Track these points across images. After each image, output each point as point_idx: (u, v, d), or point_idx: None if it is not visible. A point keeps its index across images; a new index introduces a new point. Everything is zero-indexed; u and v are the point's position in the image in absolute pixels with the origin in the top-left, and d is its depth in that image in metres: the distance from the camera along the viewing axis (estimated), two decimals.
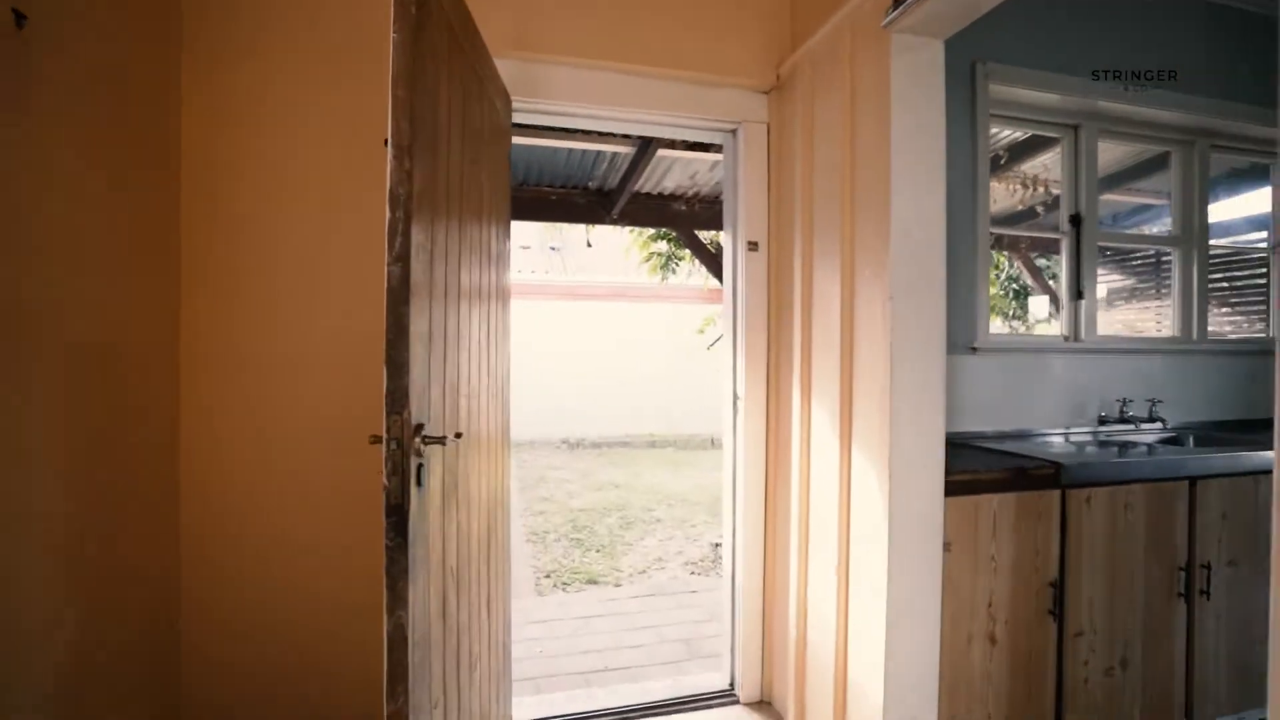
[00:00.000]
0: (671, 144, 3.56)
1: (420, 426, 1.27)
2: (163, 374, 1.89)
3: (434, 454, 1.38)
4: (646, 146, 3.40)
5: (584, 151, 3.73)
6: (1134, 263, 3.55)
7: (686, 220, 4.40)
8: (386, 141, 1.22)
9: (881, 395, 1.76)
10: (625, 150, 3.57)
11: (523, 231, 17.91)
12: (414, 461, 1.24)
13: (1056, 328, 3.03)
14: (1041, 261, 4.69)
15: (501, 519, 2.17)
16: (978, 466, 1.95)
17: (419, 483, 1.26)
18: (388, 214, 1.21)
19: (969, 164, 2.55)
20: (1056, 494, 1.95)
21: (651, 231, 4.60)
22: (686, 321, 11.17)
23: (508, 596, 2.24)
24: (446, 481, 1.50)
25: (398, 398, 1.21)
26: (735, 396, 2.57)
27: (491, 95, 1.96)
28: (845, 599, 1.95)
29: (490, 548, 1.96)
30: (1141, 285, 3.56)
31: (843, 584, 1.96)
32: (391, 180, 1.21)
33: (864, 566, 1.85)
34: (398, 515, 1.21)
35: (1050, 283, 4.85)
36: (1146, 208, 3.83)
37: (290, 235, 2.01)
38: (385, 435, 1.21)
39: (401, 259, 1.21)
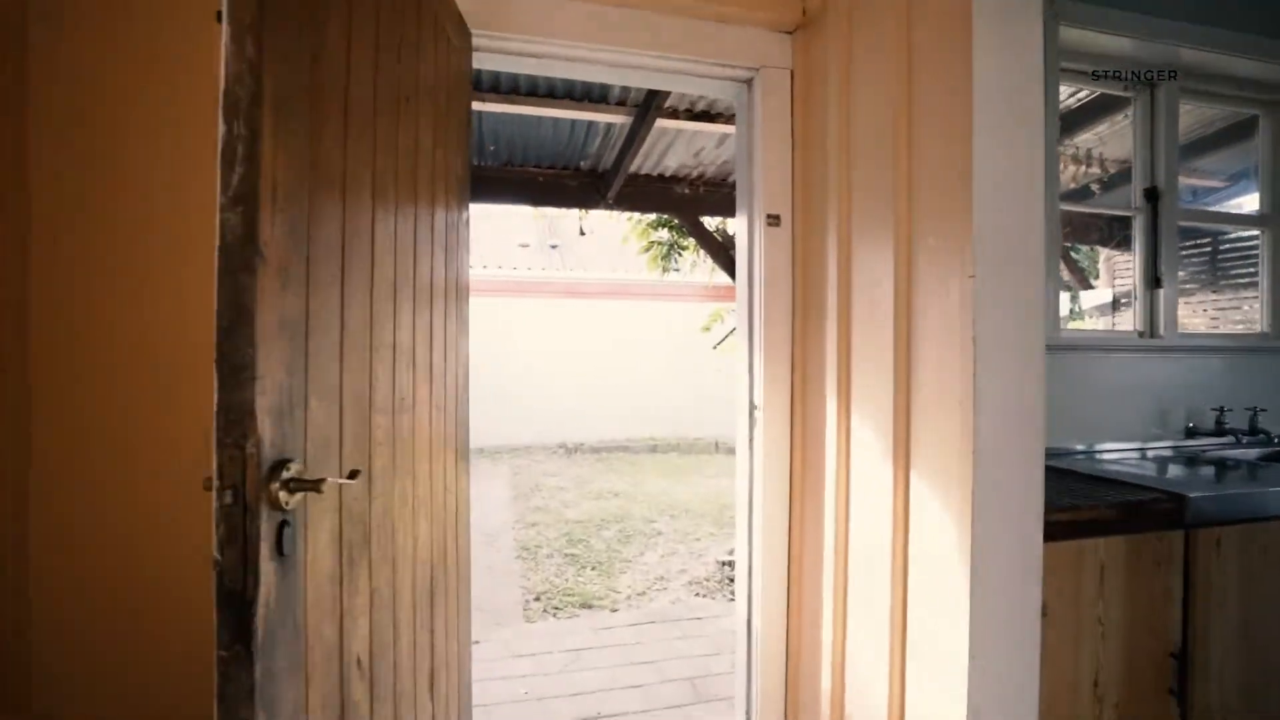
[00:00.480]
0: (674, 113, 3.11)
1: (282, 464, 0.82)
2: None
3: (318, 504, 0.92)
4: (644, 115, 2.96)
5: (573, 124, 3.29)
6: (1201, 248, 3.10)
7: (690, 205, 3.95)
8: (219, 14, 0.76)
9: (958, 406, 1.30)
10: (620, 120, 3.13)
11: (521, 229, 17.49)
12: (270, 519, 0.79)
13: (1112, 322, 2.58)
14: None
15: (455, 564, 1.72)
16: (1075, 500, 1.49)
17: (280, 551, 0.81)
18: (220, 128, 0.76)
19: None
20: (1179, 535, 1.49)
21: (652, 218, 4.20)
22: (689, 320, 10.71)
23: (465, 663, 1.79)
24: (349, 539, 1.05)
25: (234, 419, 0.76)
26: (752, 406, 2.11)
27: (440, 17, 1.51)
28: (901, 674, 1.49)
29: (436, 607, 1.51)
30: (1207, 273, 3.11)
31: (896, 654, 1.50)
32: (227, 73, 0.76)
33: (929, 633, 1.40)
34: (236, 609, 0.75)
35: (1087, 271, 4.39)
36: (1211, 190, 3.38)
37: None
38: (216, 479, 0.76)
39: (243, 201, 0.76)
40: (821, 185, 1.88)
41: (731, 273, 4.07)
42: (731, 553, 5.11)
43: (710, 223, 4.40)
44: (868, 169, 1.67)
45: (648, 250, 4.10)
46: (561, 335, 10.27)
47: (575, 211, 4.17)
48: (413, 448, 1.37)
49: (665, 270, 4.16)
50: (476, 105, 2.92)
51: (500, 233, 16.09)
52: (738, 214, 2.19)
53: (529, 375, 10.11)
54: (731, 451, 9.78)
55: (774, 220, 2.00)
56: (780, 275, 2.03)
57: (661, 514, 6.50)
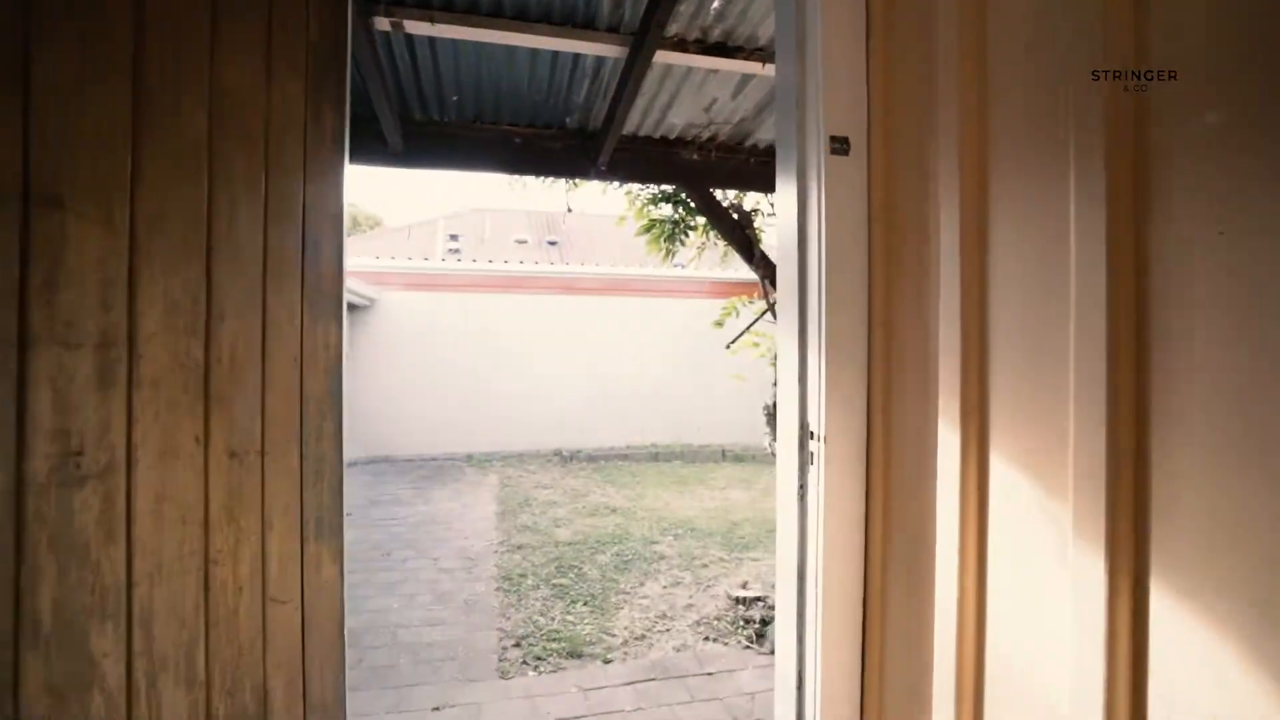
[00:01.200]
0: (681, 43, 2.42)
1: None
2: None
3: None
4: (641, 42, 2.26)
5: (555, 63, 2.60)
6: None
7: (699, 174, 3.26)
8: None
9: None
10: (613, 53, 2.43)
11: (517, 224, 16.81)
12: None
13: None
14: None
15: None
16: None
17: None
18: None
19: None
20: None
21: (652, 191, 3.52)
22: (695, 318, 10.02)
23: None
24: None
25: None
26: (805, 434, 1.42)
27: None
28: None
29: None
30: None
31: None
32: None
33: None
34: None
35: None
36: None
37: None
38: None
39: None
40: (925, 84, 1.18)
41: (748, 256, 3.39)
42: (746, 586, 4.41)
43: (722, 202, 3.70)
44: (1015, 54, 0.98)
45: (648, 230, 3.41)
46: (558, 334, 9.58)
47: (563, 185, 3.50)
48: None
49: (669, 255, 3.46)
50: (421, 28, 2.23)
51: (495, 228, 15.46)
52: (778, 144, 1.48)
53: (523, 376, 9.42)
54: (740, 459, 9.02)
55: (840, 146, 1.30)
56: (849, 232, 1.33)
57: (664, 533, 5.81)
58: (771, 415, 3.45)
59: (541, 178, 3.45)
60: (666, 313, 9.95)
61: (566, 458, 8.97)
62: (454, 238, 14.92)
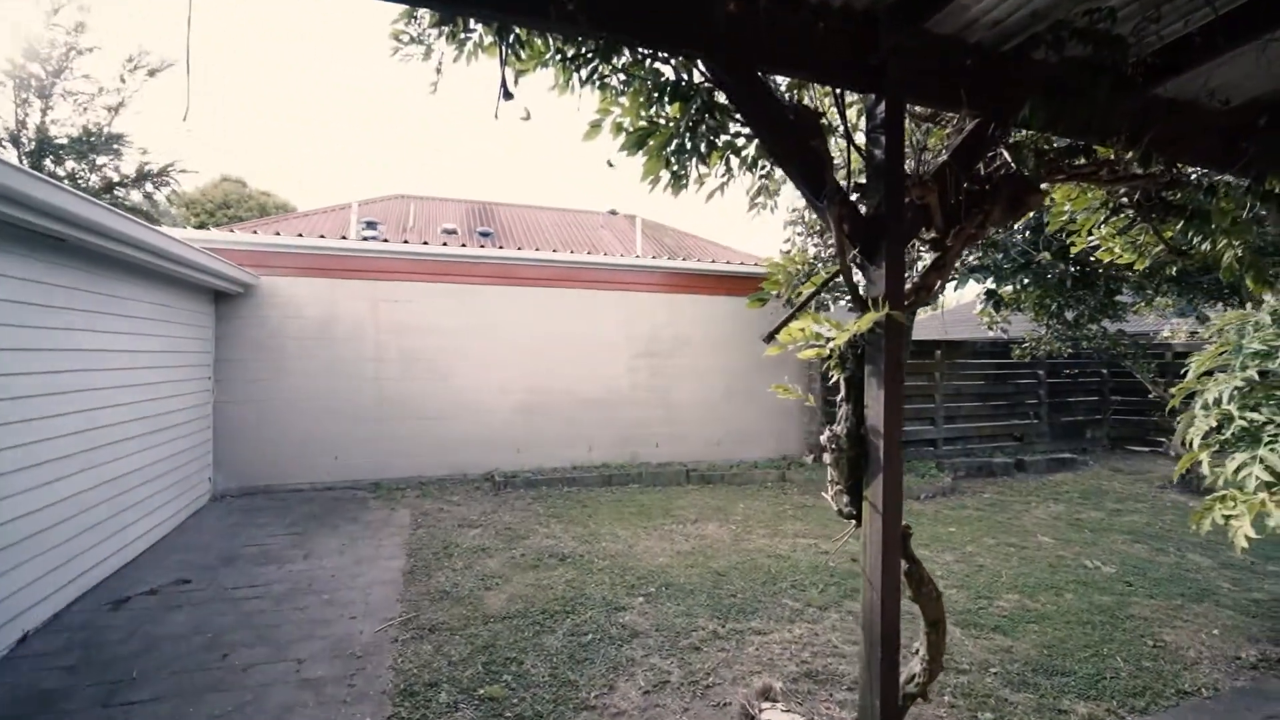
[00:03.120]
0: None
1: None
2: None
3: None
4: None
5: None
6: None
7: (737, 41, 1.87)
8: None
9: None
10: None
11: (444, 211, 14.96)
12: None
13: None
14: None
15: None
16: None
17: None
18: None
19: None
20: None
21: (652, 78, 2.12)
22: (653, 315, 8.66)
23: None
24: None
25: None
26: None
27: None
28: None
29: None
30: None
31: None
32: None
33: None
34: None
35: None
36: None
37: None
38: None
39: None
40: None
41: (814, 185, 2.04)
42: (770, 695, 2.99)
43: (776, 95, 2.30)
44: None
45: (641, 143, 1.99)
46: (492, 332, 7.97)
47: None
48: None
49: (678, 181, 2.04)
50: None
51: (421, 216, 13.59)
52: None
53: (447, 384, 7.76)
54: (707, 480, 7.47)
55: None
56: None
57: (632, 592, 4.37)
58: (837, 442, 2.08)
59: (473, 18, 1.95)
60: (620, 309, 8.53)
61: (500, 484, 7.37)
62: (371, 225, 12.95)
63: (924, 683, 2.27)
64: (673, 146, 2.07)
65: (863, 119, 2.28)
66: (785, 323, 2.28)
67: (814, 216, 6.94)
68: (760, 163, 2.35)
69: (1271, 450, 3.74)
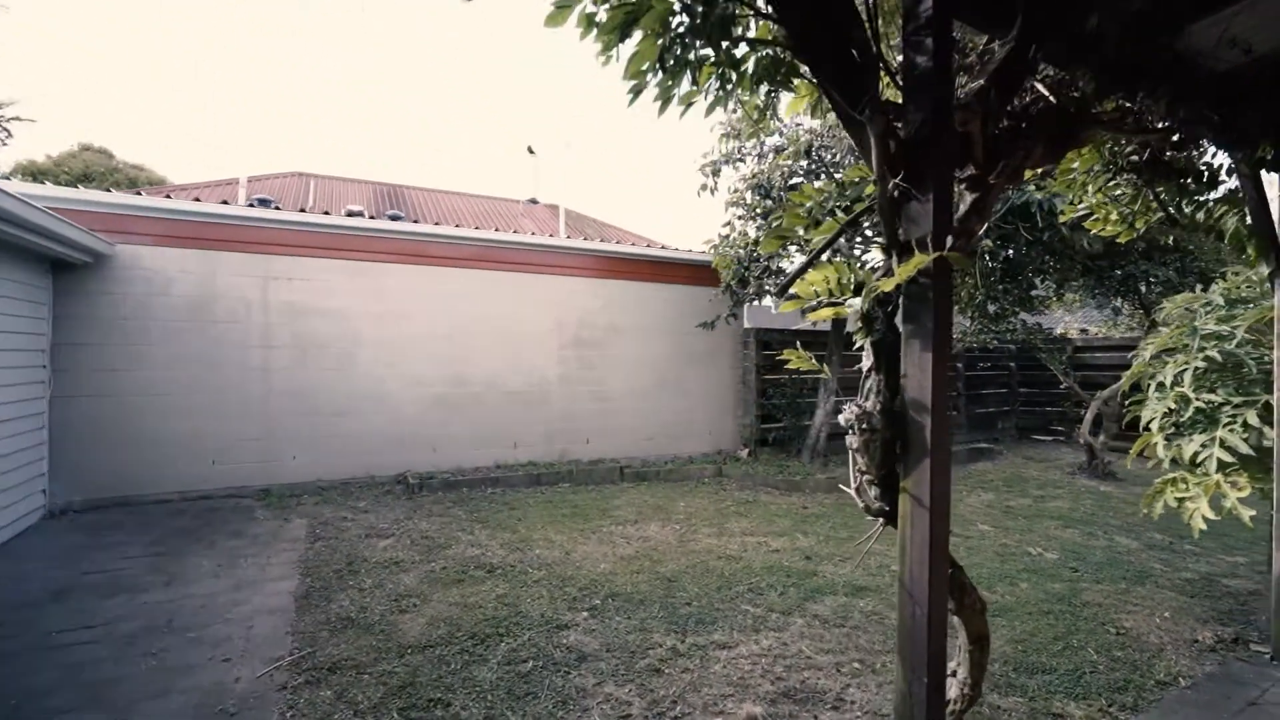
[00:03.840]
0: None
1: None
2: None
3: None
4: None
5: None
6: None
7: None
8: None
9: None
10: None
11: (348, 192, 13.62)
12: None
13: None
14: None
15: None
16: None
17: None
18: None
19: None
20: None
21: None
22: (582, 300, 8.09)
23: None
24: None
25: None
26: None
27: None
28: None
29: None
30: None
31: None
32: None
33: None
34: None
35: None
36: None
37: None
38: None
39: None
40: None
41: (854, 99, 1.60)
42: None
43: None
44: None
45: (617, 24, 1.44)
46: (404, 318, 7.11)
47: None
48: None
49: (666, 92, 1.51)
50: None
51: (322, 197, 12.26)
52: None
53: (353, 374, 6.83)
54: (642, 477, 6.74)
55: None
56: None
57: (575, 606, 3.82)
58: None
59: None
60: (548, 294, 7.90)
61: (414, 487, 6.55)
62: (263, 202, 11.55)
63: (963, 709, 1.89)
64: (669, 36, 1.55)
65: (897, 35, 1.87)
66: (800, 272, 1.82)
67: (756, 198, 6.65)
68: (763, 82, 1.88)
69: (1231, 431, 3.75)
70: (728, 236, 7.24)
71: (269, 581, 4.07)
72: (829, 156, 6.65)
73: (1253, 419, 3.43)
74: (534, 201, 15.34)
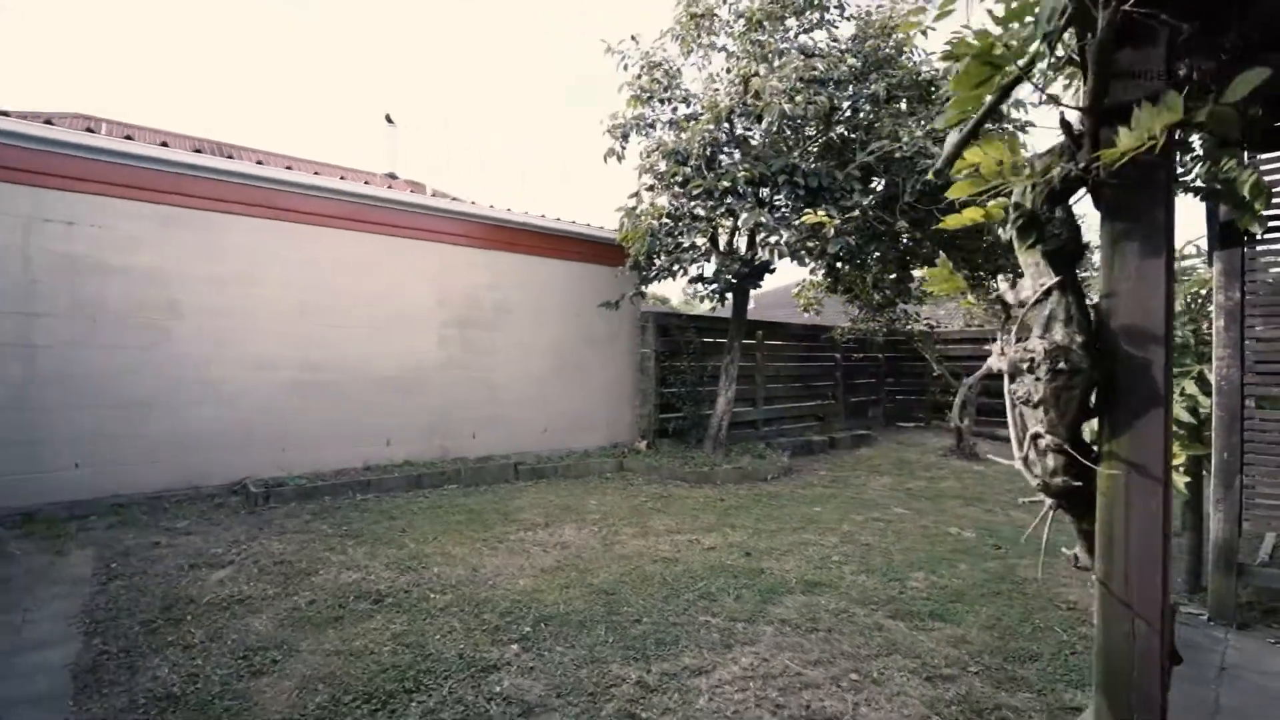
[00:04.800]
0: None
1: None
2: None
3: None
4: None
5: None
6: None
7: None
8: None
9: None
10: None
11: (154, 143, 11.06)
12: None
13: None
14: None
15: None
16: None
17: None
18: None
19: None
20: None
21: None
22: (465, 274, 7.05)
23: None
24: None
25: None
26: None
27: None
28: None
29: None
30: None
31: None
32: None
33: None
34: None
35: None
36: None
37: None
38: None
39: None
40: None
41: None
42: None
43: None
44: None
45: None
46: (244, 284, 5.63)
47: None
48: None
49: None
50: None
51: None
52: None
53: (163, 355, 5.24)
54: (540, 474, 5.05)
55: None
56: None
57: (499, 637, 3.00)
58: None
59: None
60: (429, 265, 6.78)
61: (258, 497, 5.17)
62: None
63: None
64: None
65: None
66: (958, 151, 1.24)
67: (672, 165, 6.12)
68: None
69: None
70: (635, 209, 6.64)
71: (25, 652, 2.74)
72: (740, 127, 6.32)
73: (1191, 388, 3.52)
74: (393, 176, 13.66)
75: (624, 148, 6.61)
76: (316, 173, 5.92)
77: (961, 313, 12.98)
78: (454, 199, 6.80)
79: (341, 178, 6.11)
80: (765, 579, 3.91)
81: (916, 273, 8.90)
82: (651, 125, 6.66)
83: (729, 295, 7.35)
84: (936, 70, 5.92)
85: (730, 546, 4.54)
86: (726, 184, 5.55)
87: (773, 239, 5.59)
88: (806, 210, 5.10)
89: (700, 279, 7.12)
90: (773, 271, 7.32)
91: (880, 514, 5.64)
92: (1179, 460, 3.61)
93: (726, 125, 5.84)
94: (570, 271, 7.87)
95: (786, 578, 3.94)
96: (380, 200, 6.39)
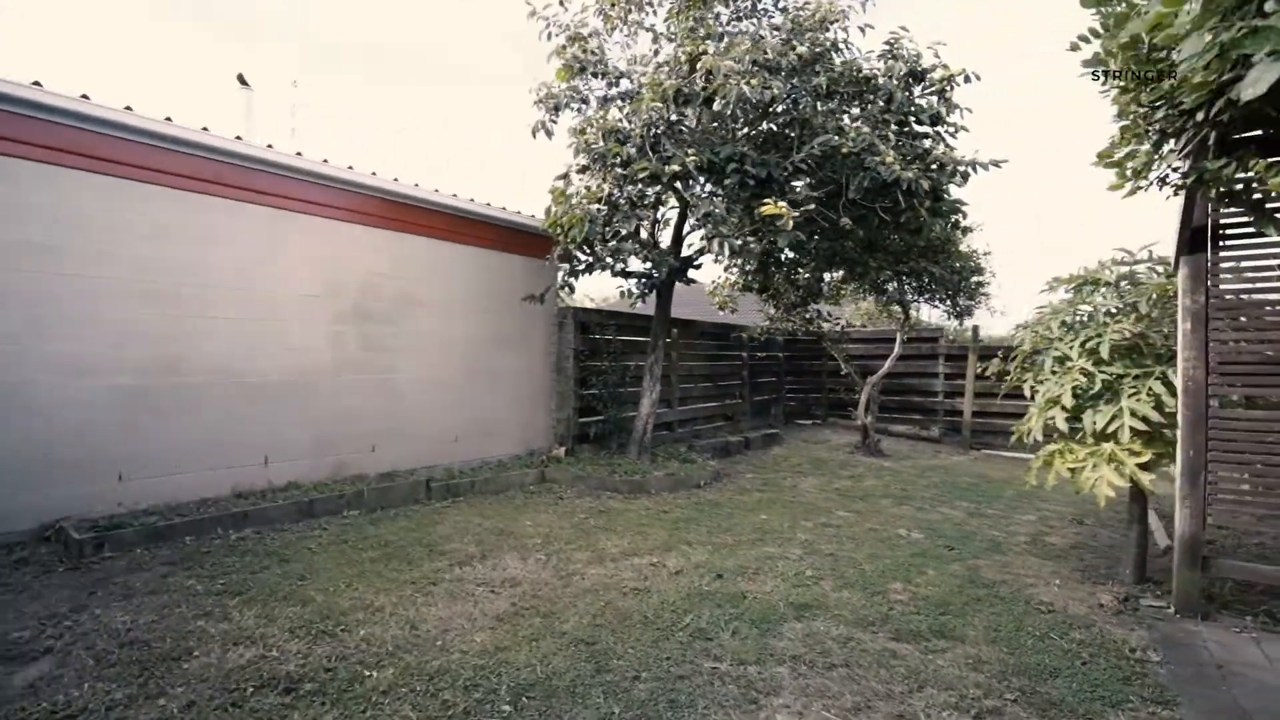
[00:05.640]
0: None
1: None
2: None
3: None
4: None
5: None
6: None
7: None
8: None
9: None
10: None
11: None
12: None
13: None
14: None
15: None
16: None
17: None
18: None
19: None
20: None
21: None
22: (365, 256, 5.98)
23: None
24: None
25: None
26: None
27: None
28: None
29: None
30: None
31: None
32: None
33: None
34: None
35: None
36: None
37: None
38: None
39: None
40: None
41: None
42: None
43: None
44: None
45: None
46: (58, 261, 4.22)
47: None
48: None
49: None
50: None
51: None
52: None
53: None
54: (454, 491, 3.89)
55: None
56: None
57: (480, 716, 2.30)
58: None
59: None
60: (319, 245, 5.63)
61: (84, 545, 3.86)
62: None
63: None
64: None
65: None
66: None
67: (611, 144, 5.53)
68: None
69: (1139, 401, 3.97)
70: (564, 190, 5.98)
71: None
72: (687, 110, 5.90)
73: (1157, 388, 3.62)
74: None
75: (554, 121, 5.93)
76: (168, 119, 4.61)
77: (862, 313, 13.64)
78: (348, 167, 5.69)
79: (204, 129, 4.83)
80: (751, 605, 3.51)
81: (827, 275, 9.09)
82: (585, 100, 6.04)
83: (652, 291, 6.94)
84: (876, 70, 5.89)
85: (697, 568, 4.10)
86: (676, 168, 5.09)
87: (723, 229, 5.22)
88: (765, 201, 4.78)
89: (626, 273, 6.62)
90: (698, 267, 7.01)
91: (826, 519, 5.50)
92: (1143, 458, 3.72)
93: (674, 106, 5.38)
94: (486, 260, 7.01)
95: (771, 601, 3.58)
96: (255, 160, 5.15)
